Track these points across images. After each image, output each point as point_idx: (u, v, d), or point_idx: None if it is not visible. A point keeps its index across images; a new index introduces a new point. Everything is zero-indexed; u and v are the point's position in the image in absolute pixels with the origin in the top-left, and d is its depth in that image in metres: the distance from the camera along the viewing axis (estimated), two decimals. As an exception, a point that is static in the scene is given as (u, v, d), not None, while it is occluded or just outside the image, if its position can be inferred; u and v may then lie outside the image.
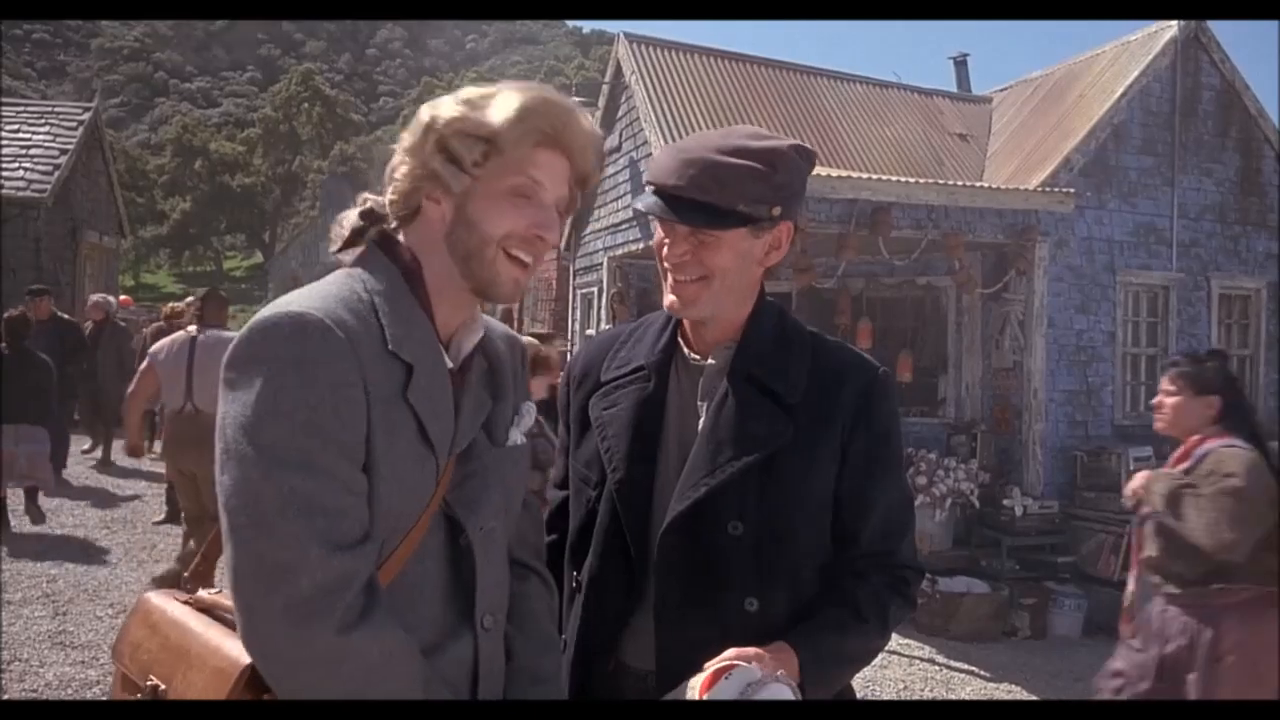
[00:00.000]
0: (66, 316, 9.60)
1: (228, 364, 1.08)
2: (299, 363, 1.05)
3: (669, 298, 1.47)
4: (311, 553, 1.02)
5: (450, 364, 1.23)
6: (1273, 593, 2.99)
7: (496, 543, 1.28)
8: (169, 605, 1.27)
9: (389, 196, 1.23)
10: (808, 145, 1.49)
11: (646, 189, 1.47)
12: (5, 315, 7.60)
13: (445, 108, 1.19)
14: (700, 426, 1.46)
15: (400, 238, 1.23)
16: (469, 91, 1.22)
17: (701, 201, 1.39)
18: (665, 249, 1.46)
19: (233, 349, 1.09)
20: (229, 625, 1.17)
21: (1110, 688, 3.30)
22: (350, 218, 1.26)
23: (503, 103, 1.17)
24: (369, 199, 1.26)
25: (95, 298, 10.26)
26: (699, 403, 1.49)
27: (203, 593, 1.28)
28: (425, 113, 1.20)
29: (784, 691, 1.23)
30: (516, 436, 1.35)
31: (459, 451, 1.22)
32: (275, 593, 1.01)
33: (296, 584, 1.01)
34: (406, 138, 1.21)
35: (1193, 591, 3.08)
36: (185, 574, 1.34)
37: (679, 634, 1.41)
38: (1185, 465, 3.14)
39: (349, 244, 1.24)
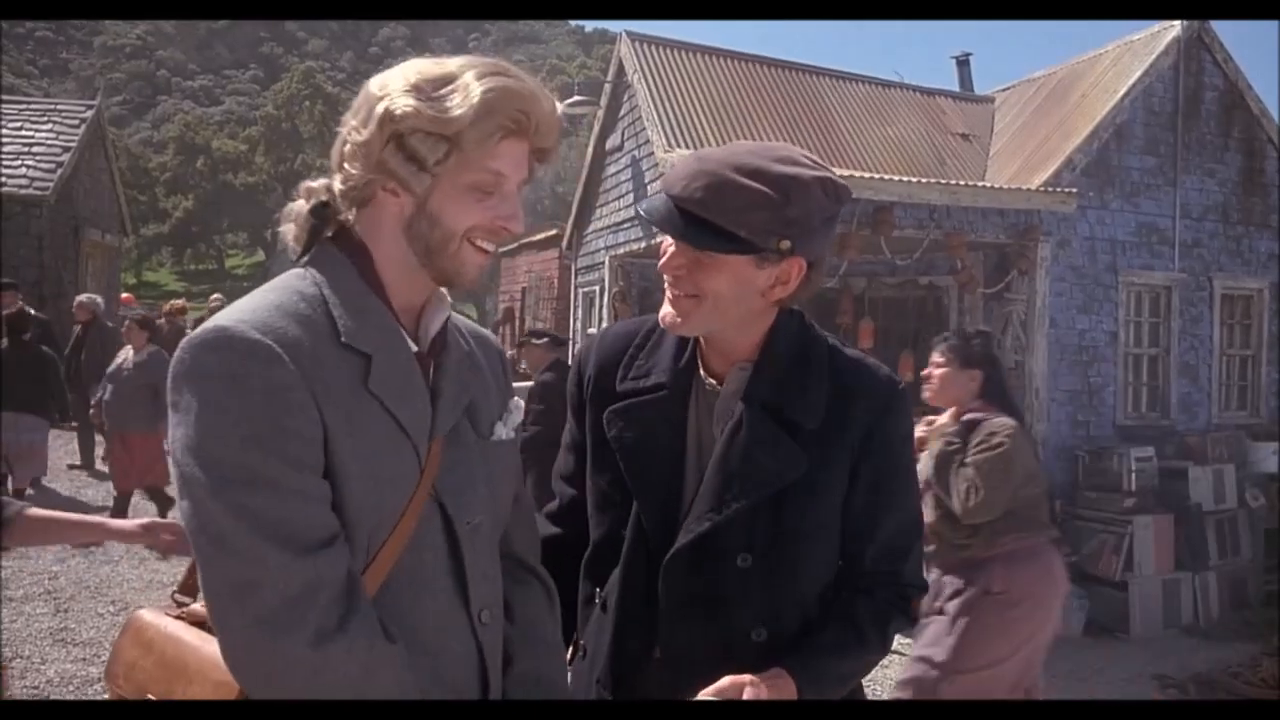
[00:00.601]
0: (34, 312, 9.33)
1: (169, 386, 1.06)
2: (231, 377, 1.02)
3: (664, 310, 1.42)
4: (270, 563, 1.00)
5: (415, 346, 1.19)
6: (1033, 544, 3.36)
7: (484, 537, 1.24)
8: (162, 621, 1.24)
9: (338, 185, 1.16)
10: (840, 181, 1.38)
11: (657, 191, 1.43)
12: (4, 313, 7.65)
13: (399, 98, 1.11)
14: (713, 455, 1.42)
15: (351, 219, 1.18)
16: (421, 73, 1.13)
17: (695, 217, 1.32)
18: (663, 257, 1.40)
19: (171, 370, 1.06)
20: None
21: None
22: (299, 213, 1.20)
23: (464, 96, 1.10)
24: (312, 190, 1.20)
25: (82, 298, 9.93)
26: (715, 427, 1.44)
27: (196, 605, 1.25)
28: (376, 101, 1.12)
29: None
30: (503, 432, 1.30)
31: (442, 435, 1.19)
32: (245, 608, 1.00)
33: (261, 597, 1.00)
34: (357, 126, 1.13)
35: (958, 548, 3.41)
36: (175, 590, 1.32)
37: (686, 664, 1.39)
38: (953, 430, 3.49)
39: (309, 246, 1.19)
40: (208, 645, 1.15)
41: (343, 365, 1.09)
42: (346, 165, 1.14)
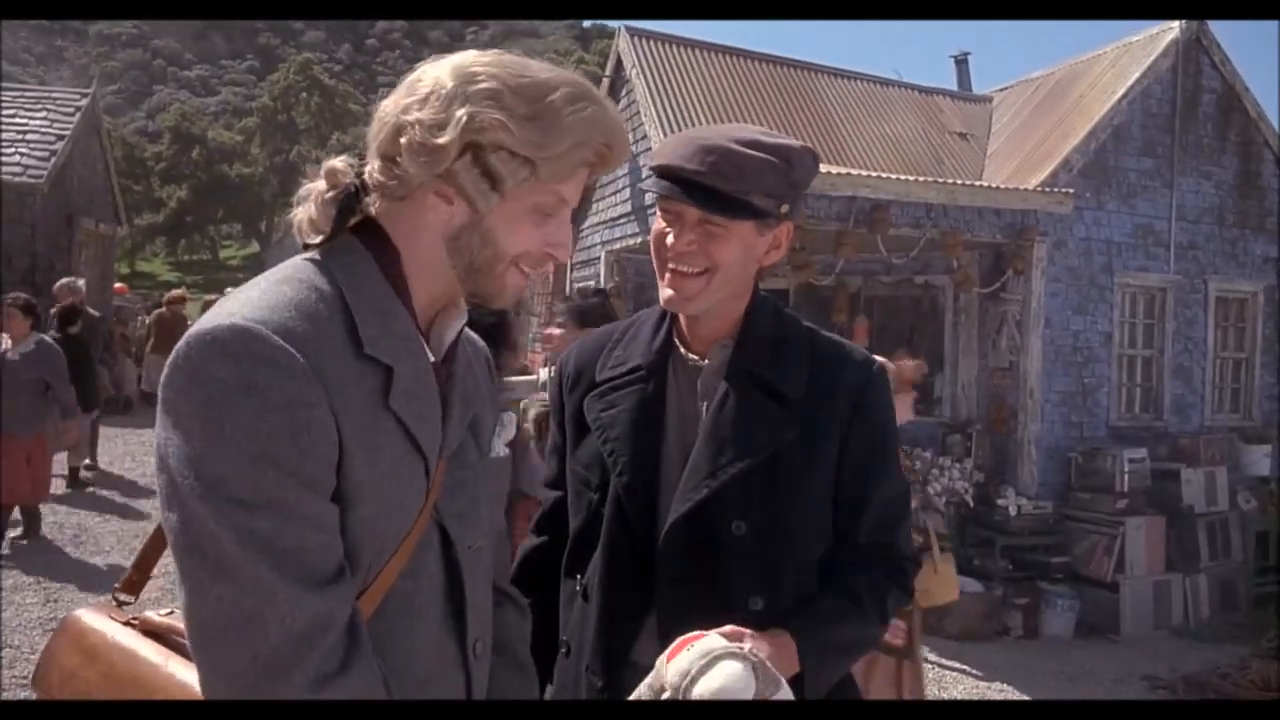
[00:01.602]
0: (91, 311, 9.06)
1: (165, 382, 0.93)
2: (247, 386, 0.91)
3: (666, 292, 1.44)
4: (278, 595, 0.90)
5: (432, 357, 1.10)
6: None
7: (483, 563, 1.18)
8: (109, 627, 1.10)
9: (378, 175, 1.04)
10: (813, 148, 1.50)
11: (651, 174, 1.44)
12: (60, 306, 7.67)
13: (487, 108, 1.00)
14: (701, 427, 1.45)
15: (377, 210, 1.07)
16: (508, 79, 1.02)
17: (715, 190, 1.37)
18: (669, 238, 1.43)
19: (170, 365, 0.93)
20: (189, 655, 1.00)
21: None
22: (318, 195, 1.07)
23: (557, 122, 1.02)
24: (337, 172, 1.07)
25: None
26: (699, 403, 1.47)
27: (151, 614, 1.11)
28: (458, 101, 1.00)
29: (734, 667, 1.18)
30: (500, 447, 1.25)
31: (449, 455, 1.11)
32: (241, 644, 0.90)
33: (263, 632, 0.90)
34: (427, 124, 1.00)
35: None
36: (116, 585, 1.18)
37: (682, 633, 1.40)
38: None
39: (333, 235, 1.05)
40: (171, 664, 1.03)
41: (362, 378, 0.99)
42: (404, 160, 1.01)
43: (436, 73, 1.03)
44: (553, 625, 1.57)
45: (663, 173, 1.42)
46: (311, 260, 1.04)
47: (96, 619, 1.12)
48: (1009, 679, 5.53)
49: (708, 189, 1.37)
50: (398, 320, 1.04)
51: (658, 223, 1.46)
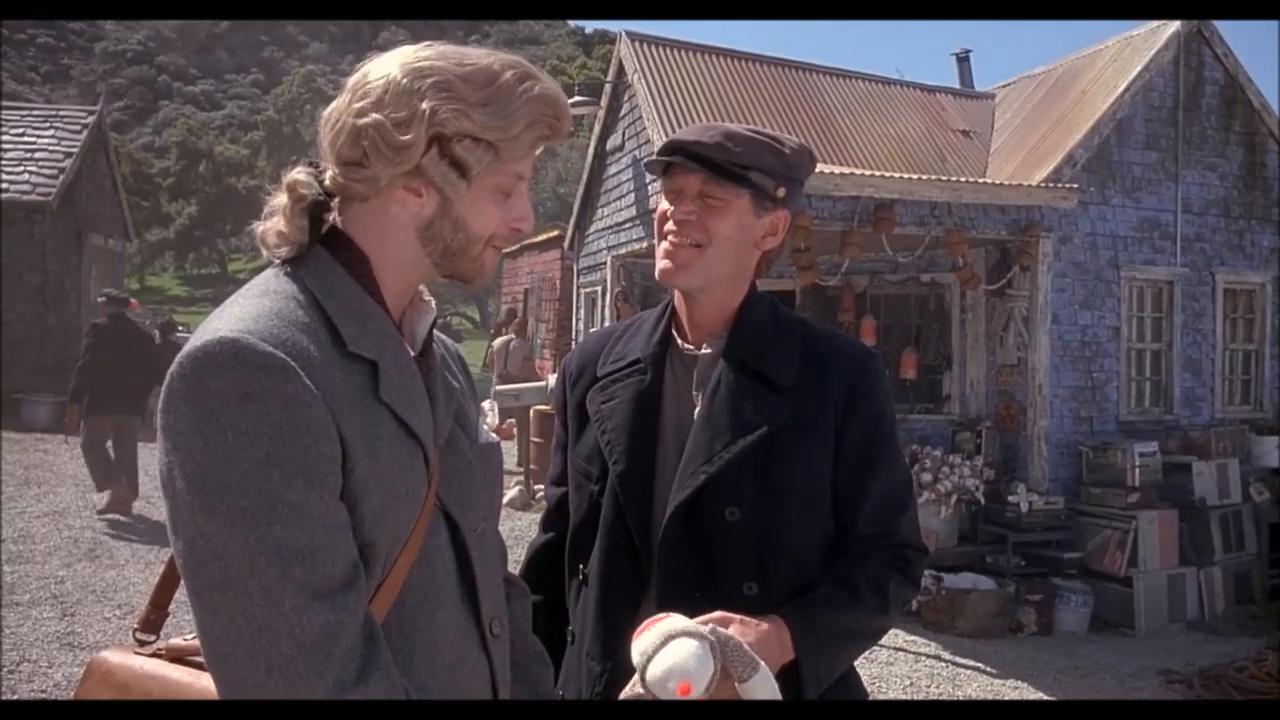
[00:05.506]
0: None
1: (162, 407, 0.95)
2: (244, 393, 0.92)
3: (662, 262, 1.50)
4: (285, 606, 0.90)
5: (411, 351, 1.14)
6: None
7: (490, 545, 1.22)
8: (135, 661, 1.12)
9: (340, 178, 1.08)
10: (810, 149, 1.58)
11: (658, 156, 1.51)
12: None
13: (445, 101, 1.03)
14: (696, 415, 1.49)
15: (340, 217, 1.10)
16: (457, 70, 1.05)
17: (715, 160, 1.46)
18: (670, 209, 1.50)
19: (165, 389, 0.95)
20: None
21: None
22: (286, 208, 1.09)
23: (512, 103, 1.06)
24: (300, 183, 1.09)
25: None
26: (694, 392, 1.51)
27: (177, 640, 1.13)
28: (415, 97, 1.03)
29: (689, 645, 1.21)
30: (490, 434, 1.29)
31: (442, 444, 1.14)
32: (254, 657, 0.90)
33: (274, 644, 0.90)
34: (387, 124, 1.03)
35: None
36: (135, 626, 1.20)
37: None
38: None
39: (310, 245, 1.08)
40: (202, 679, 1.03)
41: (350, 376, 1.02)
42: (371, 162, 1.05)
43: (384, 71, 1.06)
44: (563, 619, 1.59)
45: (668, 149, 1.50)
46: (283, 273, 1.07)
47: (121, 657, 1.14)
48: (1023, 676, 5.52)
49: (709, 159, 1.45)
50: (374, 319, 1.08)
51: (662, 203, 1.53)
